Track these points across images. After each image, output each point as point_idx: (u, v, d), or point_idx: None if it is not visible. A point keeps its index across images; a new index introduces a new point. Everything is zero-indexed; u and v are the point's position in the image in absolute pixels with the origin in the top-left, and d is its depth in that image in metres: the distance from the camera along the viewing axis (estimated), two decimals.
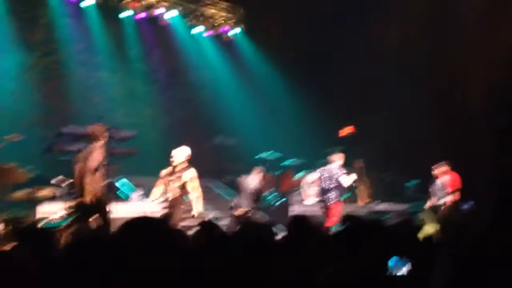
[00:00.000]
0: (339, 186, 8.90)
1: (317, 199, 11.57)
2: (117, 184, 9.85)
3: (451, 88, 12.42)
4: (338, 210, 8.66)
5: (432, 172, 9.90)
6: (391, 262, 2.88)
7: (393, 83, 12.67)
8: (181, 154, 7.46)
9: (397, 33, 12.83)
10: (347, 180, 8.86)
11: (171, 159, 7.39)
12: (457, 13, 12.44)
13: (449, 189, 9.57)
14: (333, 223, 8.01)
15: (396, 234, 3.53)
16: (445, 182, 9.65)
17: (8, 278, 2.61)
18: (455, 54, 12.32)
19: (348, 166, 12.06)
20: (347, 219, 4.83)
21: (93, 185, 6.55)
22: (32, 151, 10.11)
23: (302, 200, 10.95)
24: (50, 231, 4.87)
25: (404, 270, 2.85)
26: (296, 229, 4.40)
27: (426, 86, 12.68)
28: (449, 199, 9.51)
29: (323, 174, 9.06)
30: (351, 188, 11.61)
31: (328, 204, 8.84)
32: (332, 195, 8.89)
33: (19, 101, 11.85)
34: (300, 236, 4.25)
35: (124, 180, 10.20)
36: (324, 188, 8.99)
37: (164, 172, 7.49)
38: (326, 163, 10.46)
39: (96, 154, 6.60)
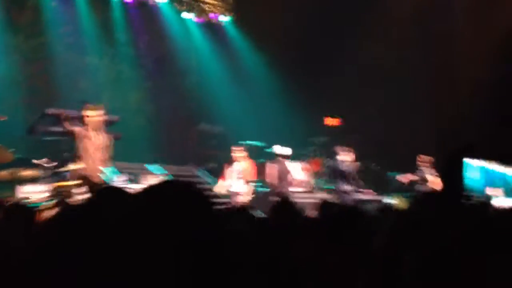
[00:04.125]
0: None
1: (300, 188, 11.69)
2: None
3: (440, 79, 12.52)
4: None
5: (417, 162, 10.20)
6: None
7: (382, 73, 12.76)
8: None
9: (387, 25, 12.88)
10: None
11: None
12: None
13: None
14: None
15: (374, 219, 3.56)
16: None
17: None
18: (443, 44, 12.44)
19: (330, 156, 12.21)
20: (324, 205, 4.88)
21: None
22: (14, 132, 10.03)
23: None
24: (32, 209, 4.86)
25: None
26: (279, 212, 4.43)
27: (416, 78, 12.78)
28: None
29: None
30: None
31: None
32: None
33: (2, 81, 11.72)
34: (282, 218, 4.28)
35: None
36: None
37: None
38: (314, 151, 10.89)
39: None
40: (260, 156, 11.67)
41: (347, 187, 9.87)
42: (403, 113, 12.75)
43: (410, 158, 10.52)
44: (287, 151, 10.35)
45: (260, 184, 11.44)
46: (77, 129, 7.75)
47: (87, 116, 7.91)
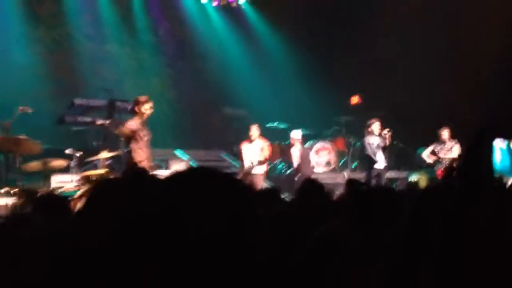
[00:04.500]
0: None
1: (326, 168, 11.71)
2: None
3: (464, 55, 12.31)
4: None
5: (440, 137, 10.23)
6: None
7: (405, 49, 12.60)
8: None
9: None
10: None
11: None
12: None
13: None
14: None
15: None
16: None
17: (22, 247, 2.65)
18: (469, 20, 12.21)
19: (356, 135, 12.18)
20: (351, 184, 4.89)
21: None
22: (41, 123, 10.20)
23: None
24: (65, 199, 4.98)
25: None
26: (306, 192, 4.46)
27: (439, 53, 12.60)
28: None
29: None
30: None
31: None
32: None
33: (27, 74, 11.90)
34: (309, 199, 4.31)
35: None
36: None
37: None
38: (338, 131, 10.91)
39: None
40: (284, 138, 11.72)
41: (376, 165, 9.83)
42: (426, 87, 12.60)
43: (433, 133, 10.51)
44: (298, 134, 10.45)
45: (283, 165, 11.51)
46: (134, 126, 7.59)
47: (144, 109, 7.71)
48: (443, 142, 10.22)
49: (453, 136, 10.21)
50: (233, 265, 1.37)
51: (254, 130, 9.93)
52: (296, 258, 2.69)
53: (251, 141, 9.90)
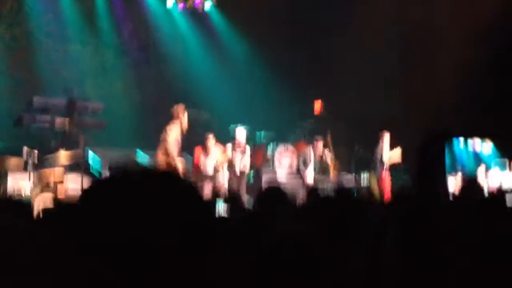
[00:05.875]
0: None
1: (287, 170, 11.79)
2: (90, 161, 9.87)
3: (422, 63, 12.66)
4: None
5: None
6: None
7: (366, 56, 12.84)
8: None
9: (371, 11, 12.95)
10: None
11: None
12: None
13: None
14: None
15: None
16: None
17: None
18: (426, 28, 12.57)
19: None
20: (312, 192, 4.95)
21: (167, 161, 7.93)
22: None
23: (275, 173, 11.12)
24: (23, 201, 4.88)
25: None
26: (268, 200, 4.45)
27: (399, 61, 12.91)
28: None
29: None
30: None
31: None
32: None
33: None
34: (271, 207, 4.31)
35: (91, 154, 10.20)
36: None
37: None
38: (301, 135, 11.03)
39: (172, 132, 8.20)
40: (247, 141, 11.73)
41: None
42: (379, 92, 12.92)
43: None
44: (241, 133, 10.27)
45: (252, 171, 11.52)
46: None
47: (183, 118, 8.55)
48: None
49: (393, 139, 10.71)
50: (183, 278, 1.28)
51: (211, 140, 9.84)
52: (262, 266, 2.69)
53: (207, 151, 9.77)
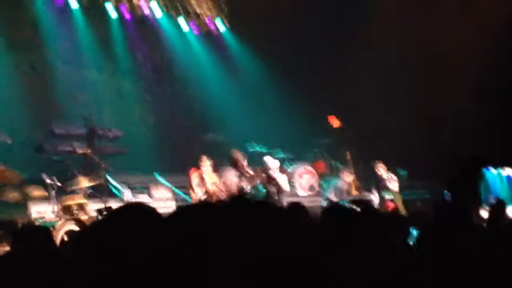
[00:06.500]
0: None
1: (309, 192, 11.71)
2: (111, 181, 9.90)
3: (439, 79, 12.67)
4: None
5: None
6: None
7: (380, 70, 12.85)
8: None
9: (382, 26, 12.99)
10: None
11: None
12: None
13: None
14: None
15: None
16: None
17: (8, 279, 2.62)
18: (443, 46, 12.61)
19: (337, 158, 12.29)
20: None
21: None
22: (20, 152, 10.05)
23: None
24: (46, 230, 4.91)
25: None
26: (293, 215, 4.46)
27: (414, 75, 12.91)
28: None
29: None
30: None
31: None
32: None
33: (3, 99, 11.69)
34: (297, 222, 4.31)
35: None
36: None
37: None
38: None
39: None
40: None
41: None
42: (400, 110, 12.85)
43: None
44: (275, 163, 9.84)
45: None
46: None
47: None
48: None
49: (389, 169, 10.25)
50: None
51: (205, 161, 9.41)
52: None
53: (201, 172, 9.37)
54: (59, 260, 2.90)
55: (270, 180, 9.59)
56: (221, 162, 10.46)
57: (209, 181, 9.19)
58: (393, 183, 9.95)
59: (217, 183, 9.19)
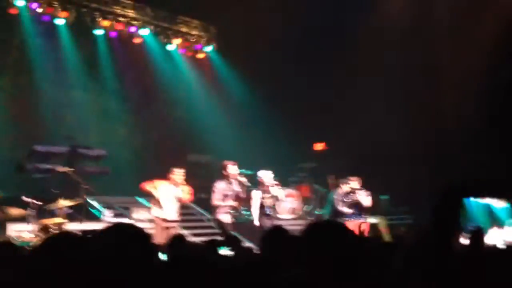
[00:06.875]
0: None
1: (291, 215, 11.62)
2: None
3: (425, 103, 12.74)
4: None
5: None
6: None
7: (367, 96, 12.88)
8: None
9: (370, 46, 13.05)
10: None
11: None
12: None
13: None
14: None
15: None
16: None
17: None
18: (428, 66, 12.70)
19: (321, 182, 12.25)
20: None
21: None
22: (1, 170, 9.93)
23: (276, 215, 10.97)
24: (23, 249, 4.81)
25: None
26: (273, 241, 4.40)
27: (400, 100, 12.95)
28: None
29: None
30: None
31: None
32: None
33: None
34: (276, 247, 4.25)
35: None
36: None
37: None
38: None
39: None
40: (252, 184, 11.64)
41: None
42: (385, 135, 12.85)
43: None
44: (268, 175, 9.82)
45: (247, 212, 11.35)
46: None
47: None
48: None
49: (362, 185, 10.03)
50: None
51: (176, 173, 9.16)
52: None
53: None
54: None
55: (266, 193, 9.62)
56: (207, 183, 10.40)
57: (167, 191, 8.91)
58: (364, 198, 9.81)
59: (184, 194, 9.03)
